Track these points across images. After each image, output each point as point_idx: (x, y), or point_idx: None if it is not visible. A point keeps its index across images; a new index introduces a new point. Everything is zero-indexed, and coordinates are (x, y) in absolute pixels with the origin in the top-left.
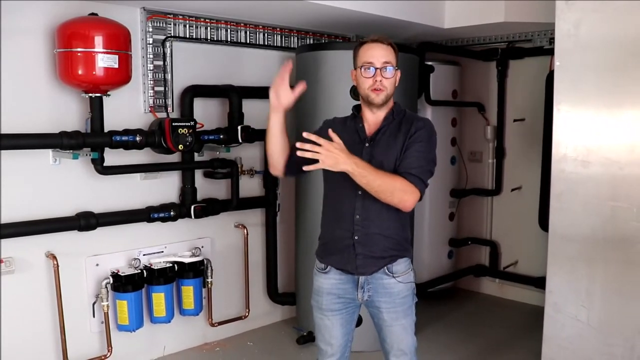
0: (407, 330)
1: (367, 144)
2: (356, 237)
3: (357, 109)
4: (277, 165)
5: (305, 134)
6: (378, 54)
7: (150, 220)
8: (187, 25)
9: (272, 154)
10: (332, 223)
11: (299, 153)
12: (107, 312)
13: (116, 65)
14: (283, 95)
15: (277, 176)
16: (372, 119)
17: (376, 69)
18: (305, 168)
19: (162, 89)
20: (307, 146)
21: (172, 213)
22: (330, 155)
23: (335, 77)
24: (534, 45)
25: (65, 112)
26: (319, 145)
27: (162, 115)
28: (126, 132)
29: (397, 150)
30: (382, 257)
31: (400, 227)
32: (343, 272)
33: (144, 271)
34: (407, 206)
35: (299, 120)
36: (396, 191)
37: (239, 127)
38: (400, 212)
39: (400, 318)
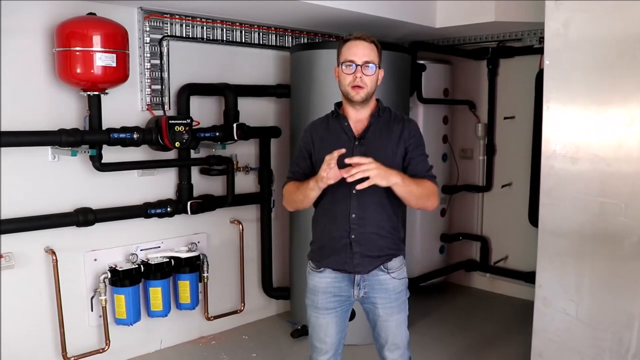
0: (401, 325)
1: (356, 142)
2: (353, 236)
3: (338, 106)
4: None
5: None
6: (360, 52)
7: (148, 216)
8: (184, 25)
9: (303, 208)
10: (327, 225)
11: (348, 179)
12: (105, 306)
13: (114, 64)
14: (332, 172)
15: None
16: (357, 116)
17: (357, 65)
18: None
19: (159, 87)
20: (353, 170)
21: (168, 209)
22: (380, 170)
23: (329, 76)
24: (523, 44)
25: (64, 110)
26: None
27: (159, 113)
28: (124, 129)
29: (391, 152)
30: (379, 256)
31: (396, 226)
32: (340, 271)
33: (141, 266)
34: (435, 206)
35: (294, 118)
36: (431, 195)
37: (235, 125)
38: (395, 211)
39: (395, 313)
